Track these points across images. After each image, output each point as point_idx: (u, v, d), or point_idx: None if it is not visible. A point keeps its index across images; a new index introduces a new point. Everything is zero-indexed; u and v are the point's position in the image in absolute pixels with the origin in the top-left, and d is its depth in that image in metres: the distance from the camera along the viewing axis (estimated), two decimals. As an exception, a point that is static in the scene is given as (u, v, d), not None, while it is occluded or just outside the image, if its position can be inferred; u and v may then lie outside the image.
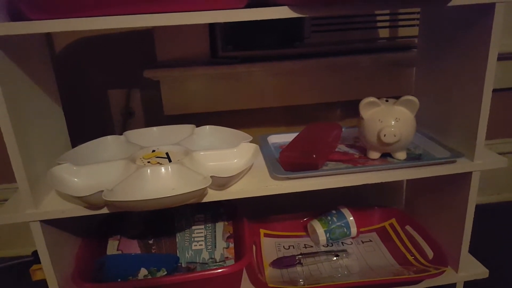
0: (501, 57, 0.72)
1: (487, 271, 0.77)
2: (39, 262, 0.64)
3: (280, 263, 0.81)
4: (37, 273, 0.85)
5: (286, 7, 0.55)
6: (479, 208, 0.73)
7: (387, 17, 0.96)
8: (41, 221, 0.61)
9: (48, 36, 0.91)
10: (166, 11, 0.53)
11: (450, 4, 0.59)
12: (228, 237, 0.80)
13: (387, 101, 0.70)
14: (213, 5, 0.54)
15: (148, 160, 0.68)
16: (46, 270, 0.64)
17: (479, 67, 0.64)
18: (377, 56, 0.96)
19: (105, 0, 0.51)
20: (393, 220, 0.92)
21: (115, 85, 0.98)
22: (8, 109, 0.55)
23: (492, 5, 0.59)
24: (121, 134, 0.79)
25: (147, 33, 0.93)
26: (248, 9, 0.55)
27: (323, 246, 0.87)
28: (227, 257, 0.77)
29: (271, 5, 0.55)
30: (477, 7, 0.61)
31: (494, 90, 0.64)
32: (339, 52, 0.97)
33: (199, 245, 0.78)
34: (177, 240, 0.78)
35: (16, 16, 0.56)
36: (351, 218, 0.88)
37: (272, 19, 0.56)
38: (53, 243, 0.65)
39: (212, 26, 0.92)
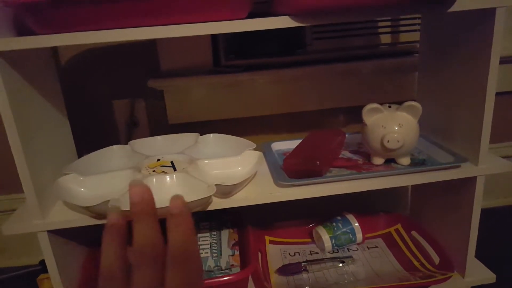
0: (503, 61, 0.72)
1: (494, 275, 0.76)
2: (47, 272, 0.64)
3: (286, 270, 0.81)
4: (45, 282, 0.86)
5: (287, 17, 0.56)
6: (484, 212, 0.73)
7: (389, 23, 0.97)
8: (48, 231, 0.62)
9: (54, 48, 0.92)
10: (169, 23, 0.54)
11: (451, 9, 0.59)
12: (233, 245, 0.80)
13: (389, 107, 0.70)
14: (215, 16, 0.55)
15: (153, 169, 0.69)
16: (53, 279, 0.65)
17: (481, 71, 0.64)
18: (379, 62, 0.96)
19: (109, 14, 0.52)
20: (399, 226, 0.92)
21: (120, 96, 0.99)
22: (15, 121, 0.55)
23: (493, 10, 0.59)
24: (126, 143, 0.80)
25: (151, 44, 0.94)
26: (250, 19, 0.55)
27: (328, 252, 0.87)
28: (232, 265, 0.77)
29: (273, 15, 0.56)
30: (478, 11, 0.61)
31: (497, 94, 0.64)
32: (341, 58, 0.97)
33: (205, 253, 0.78)
34: (182, 248, 0.78)
35: (22, 30, 0.57)
36: (357, 224, 0.87)
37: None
38: (60, 253, 0.65)
39: (214, 36, 0.93)
